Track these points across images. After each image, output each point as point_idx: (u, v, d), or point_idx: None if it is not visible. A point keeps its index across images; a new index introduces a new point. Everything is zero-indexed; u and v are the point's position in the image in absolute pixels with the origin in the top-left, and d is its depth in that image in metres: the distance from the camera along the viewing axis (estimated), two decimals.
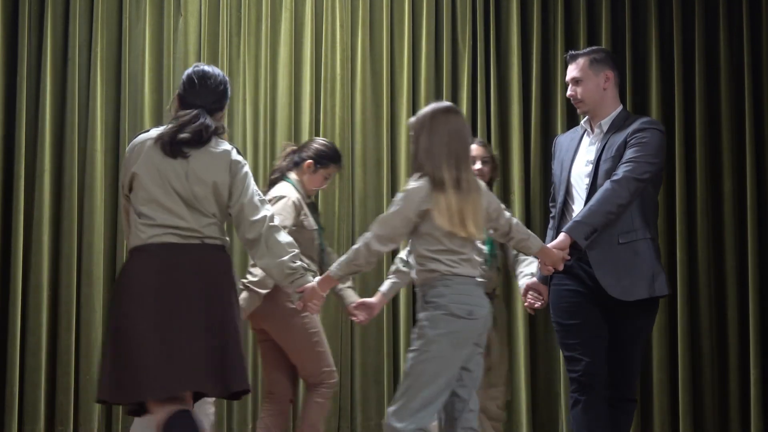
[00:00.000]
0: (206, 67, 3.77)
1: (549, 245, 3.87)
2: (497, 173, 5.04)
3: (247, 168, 3.68)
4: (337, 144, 5.95)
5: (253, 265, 4.44)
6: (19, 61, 5.80)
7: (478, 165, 4.73)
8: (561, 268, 3.87)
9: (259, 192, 3.68)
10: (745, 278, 6.03)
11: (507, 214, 3.70)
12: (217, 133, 3.66)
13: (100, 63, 5.87)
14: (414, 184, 3.52)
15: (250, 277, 4.47)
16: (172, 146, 3.59)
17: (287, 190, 4.63)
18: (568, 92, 4.17)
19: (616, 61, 4.23)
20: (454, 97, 6.13)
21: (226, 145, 3.67)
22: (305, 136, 5.93)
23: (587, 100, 4.11)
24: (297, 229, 4.51)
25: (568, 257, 3.87)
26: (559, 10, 6.21)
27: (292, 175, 4.73)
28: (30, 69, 5.84)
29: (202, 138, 3.61)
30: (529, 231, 3.77)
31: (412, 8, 6.16)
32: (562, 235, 3.90)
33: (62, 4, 5.91)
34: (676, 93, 6.14)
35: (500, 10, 6.23)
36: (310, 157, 4.74)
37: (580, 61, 4.14)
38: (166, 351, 3.48)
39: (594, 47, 4.36)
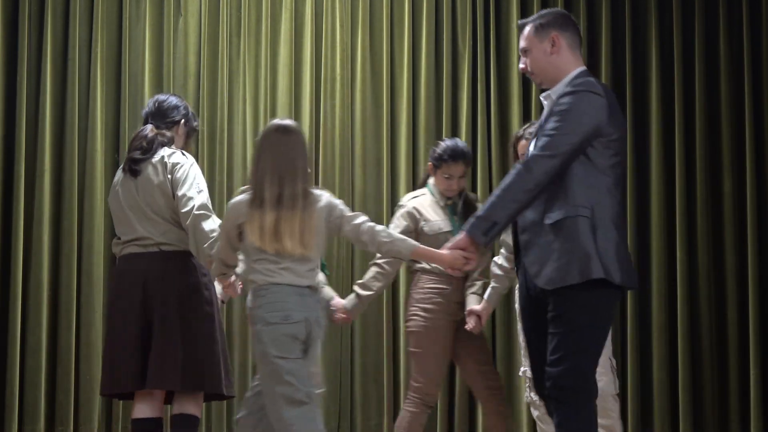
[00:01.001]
0: (160, 95, 4.24)
1: (447, 245, 3.50)
2: None
3: (187, 166, 3.90)
4: (337, 144, 5.96)
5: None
6: (19, 61, 5.81)
7: None
8: (467, 268, 3.50)
9: (198, 184, 3.86)
10: (745, 278, 6.02)
11: (358, 220, 3.66)
12: (163, 143, 3.97)
13: (100, 63, 5.88)
14: (236, 198, 3.64)
15: (359, 281, 4.65)
16: (130, 168, 3.96)
17: (407, 199, 4.73)
18: (520, 65, 3.68)
19: (569, 20, 3.60)
20: (454, 97, 6.13)
21: (164, 151, 3.94)
22: (305, 136, 5.91)
23: (536, 70, 3.60)
24: (416, 236, 4.42)
25: (470, 257, 3.41)
26: None
27: (431, 180, 4.71)
28: (30, 69, 5.85)
29: (147, 149, 3.94)
30: (394, 234, 3.71)
31: (412, 8, 6.15)
32: (461, 233, 3.42)
33: (62, 4, 5.91)
34: (676, 93, 6.14)
35: (500, 10, 6.23)
36: (429, 161, 4.72)
37: (525, 29, 3.61)
38: (111, 355, 3.97)
39: (544, 10, 3.73)
